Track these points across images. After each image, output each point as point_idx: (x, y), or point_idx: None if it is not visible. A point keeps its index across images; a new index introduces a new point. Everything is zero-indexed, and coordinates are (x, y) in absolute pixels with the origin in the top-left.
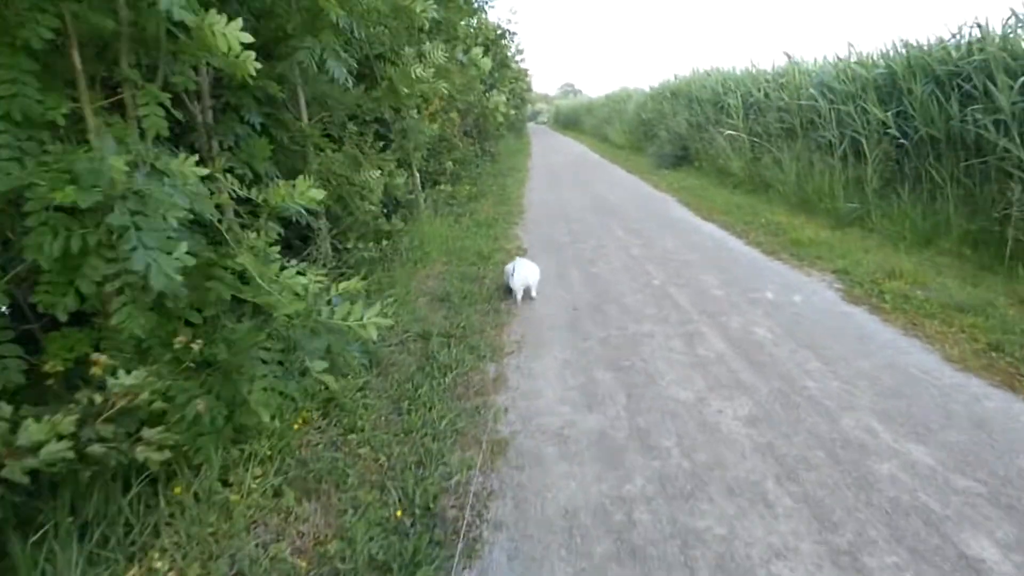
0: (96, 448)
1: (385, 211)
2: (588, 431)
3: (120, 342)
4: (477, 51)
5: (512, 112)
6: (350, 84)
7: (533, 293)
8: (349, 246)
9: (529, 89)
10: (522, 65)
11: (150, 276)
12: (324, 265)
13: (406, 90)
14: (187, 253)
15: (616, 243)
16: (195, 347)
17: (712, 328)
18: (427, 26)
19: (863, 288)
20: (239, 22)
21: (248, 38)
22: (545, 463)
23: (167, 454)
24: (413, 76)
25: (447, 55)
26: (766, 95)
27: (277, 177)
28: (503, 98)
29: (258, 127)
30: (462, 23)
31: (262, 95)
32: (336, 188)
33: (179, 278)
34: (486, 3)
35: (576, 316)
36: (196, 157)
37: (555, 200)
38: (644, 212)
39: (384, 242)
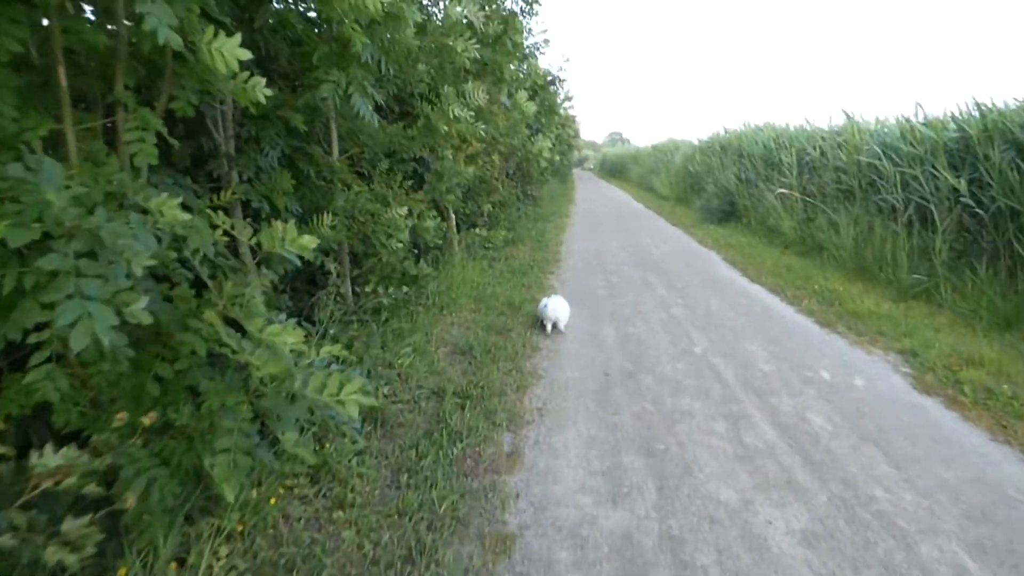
0: (5, 540)
1: (415, 253)
2: (611, 532)
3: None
4: (522, 95)
5: (557, 158)
6: (376, 121)
7: (562, 327)
8: (368, 289)
9: (576, 136)
10: (570, 112)
11: (72, 335)
12: (332, 316)
13: (444, 128)
14: (165, 298)
15: (656, 301)
16: (147, 421)
17: (760, 410)
18: (468, 66)
19: (936, 375)
20: (237, 38)
21: (246, 55)
22: (555, 573)
23: (90, 550)
24: (451, 116)
25: (488, 96)
26: (822, 153)
27: (298, 212)
28: (548, 143)
29: (283, 159)
30: (510, 66)
31: (286, 126)
32: (361, 226)
33: (118, 338)
34: (537, 49)
35: (607, 383)
36: (180, 199)
37: (595, 249)
38: (688, 269)
39: (409, 287)
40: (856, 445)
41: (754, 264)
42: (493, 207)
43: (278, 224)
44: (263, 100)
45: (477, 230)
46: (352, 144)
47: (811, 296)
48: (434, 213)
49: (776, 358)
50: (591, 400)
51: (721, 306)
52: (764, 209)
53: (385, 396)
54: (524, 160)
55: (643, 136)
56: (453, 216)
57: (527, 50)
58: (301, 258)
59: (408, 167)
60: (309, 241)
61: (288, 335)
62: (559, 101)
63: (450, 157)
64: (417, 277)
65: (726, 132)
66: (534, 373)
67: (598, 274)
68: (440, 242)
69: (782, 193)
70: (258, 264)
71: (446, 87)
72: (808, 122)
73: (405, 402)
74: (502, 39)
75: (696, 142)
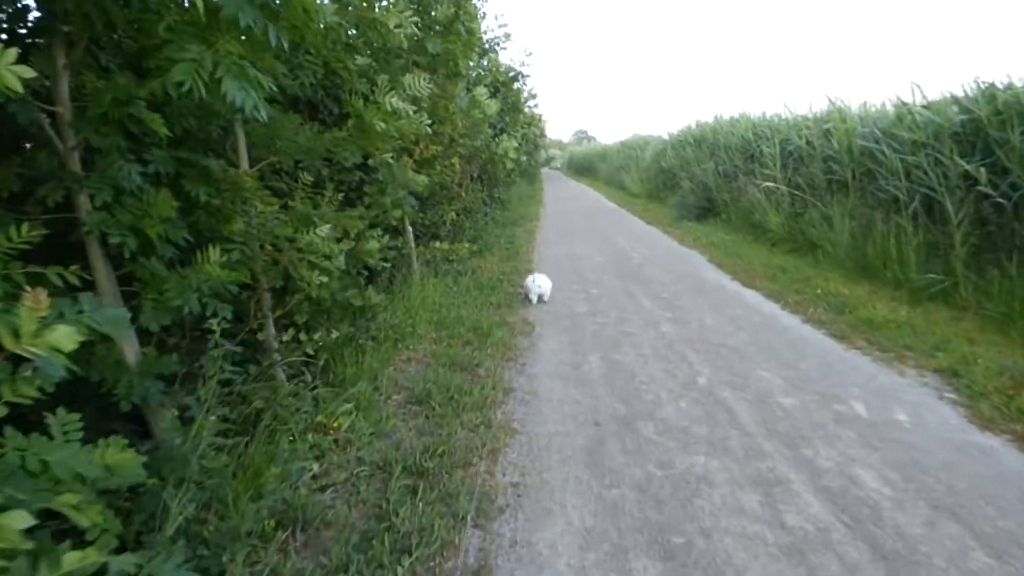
0: None
1: (366, 276)
2: None
3: None
4: (481, 91)
5: (524, 158)
6: (262, 114)
7: (546, 298)
8: (287, 337)
9: (543, 135)
10: (535, 110)
11: None
12: (228, 380)
13: (381, 125)
14: None
15: (643, 316)
16: None
17: (795, 468)
18: (405, 44)
19: (991, 403)
20: None
21: None
22: None
23: None
24: (387, 108)
25: (439, 90)
26: (808, 142)
27: (186, 243)
28: (514, 143)
29: (161, 176)
30: (468, 61)
31: (138, 129)
32: (275, 255)
33: None
34: (498, 44)
35: (598, 436)
36: None
37: (568, 256)
38: (671, 273)
39: (355, 321)
40: (931, 520)
41: (743, 265)
42: (457, 215)
43: (29, 299)
44: (18, 87)
45: (438, 243)
46: (268, 152)
47: (815, 302)
48: (380, 231)
49: (796, 387)
50: (580, 465)
51: (716, 319)
52: (746, 204)
53: (313, 478)
54: (489, 162)
55: (609, 134)
56: (410, 229)
57: (487, 45)
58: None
59: (353, 177)
60: (65, 337)
61: None
62: (523, 99)
63: (390, 162)
64: (363, 309)
65: (698, 125)
66: (507, 427)
67: (575, 286)
68: (387, 264)
69: (767, 187)
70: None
71: (383, 76)
72: (788, 110)
73: (339, 484)
74: (454, 25)
75: (667, 137)
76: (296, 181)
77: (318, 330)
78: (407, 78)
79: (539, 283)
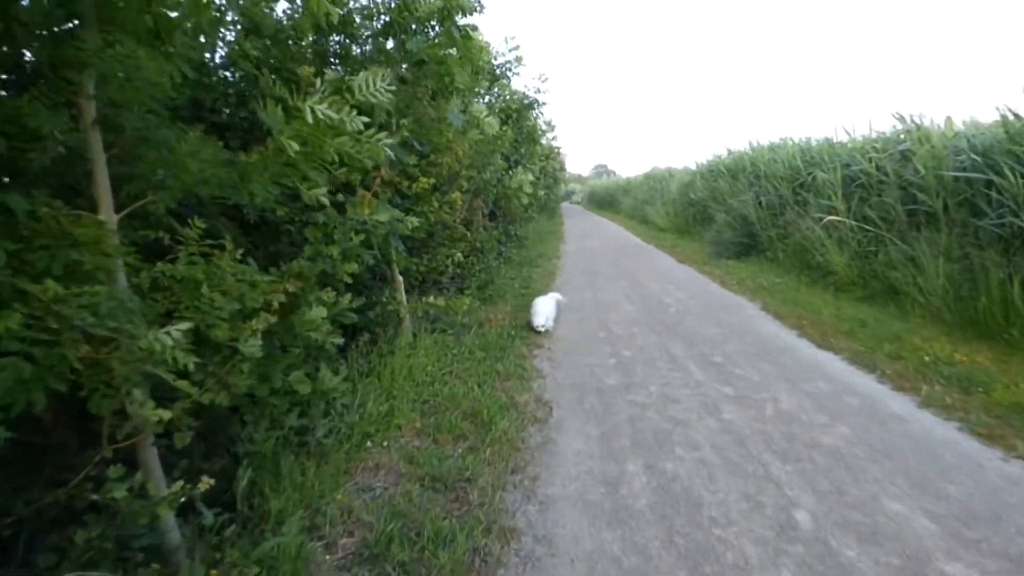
0: None
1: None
2: None
3: None
4: (480, 107)
5: (542, 193)
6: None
7: (550, 325)
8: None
9: (562, 168)
10: (554, 143)
11: None
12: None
13: (294, 146)
14: None
15: (694, 392)
16: None
17: None
18: (334, 17)
19: None
20: None
21: None
22: None
23: None
24: (312, 118)
25: (393, 86)
26: (877, 168)
27: None
28: (530, 176)
29: None
30: (467, 73)
31: None
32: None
33: None
34: (510, 70)
35: None
36: None
37: (593, 304)
38: (720, 327)
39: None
40: None
41: (808, 316)
42: (466, 257)
43: None
44: None
45: (432, 298)
46: (144, 186)
47: (925, 374)
48: (327, 292)
49: (964, 543)
50: None
51: (795, 399)
52: (799, 240)
53: None
54: (503, 197)
55: (629, 167)
56: (400, 279)
57: (497, 70)
58: None
59: (310, 216)
60: None
61: None
62: (540, 129)
63: (323, 201)
64: (309, 406)
65: (731, 154)
66: None
67: (603, 346)
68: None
69: (830, 221)
70: None
71: (305, 69)
72: (847, 132)
73: None
74: (445, 24)
75: (694, 167)
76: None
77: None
78: (360, 77)
79: (543, 310)
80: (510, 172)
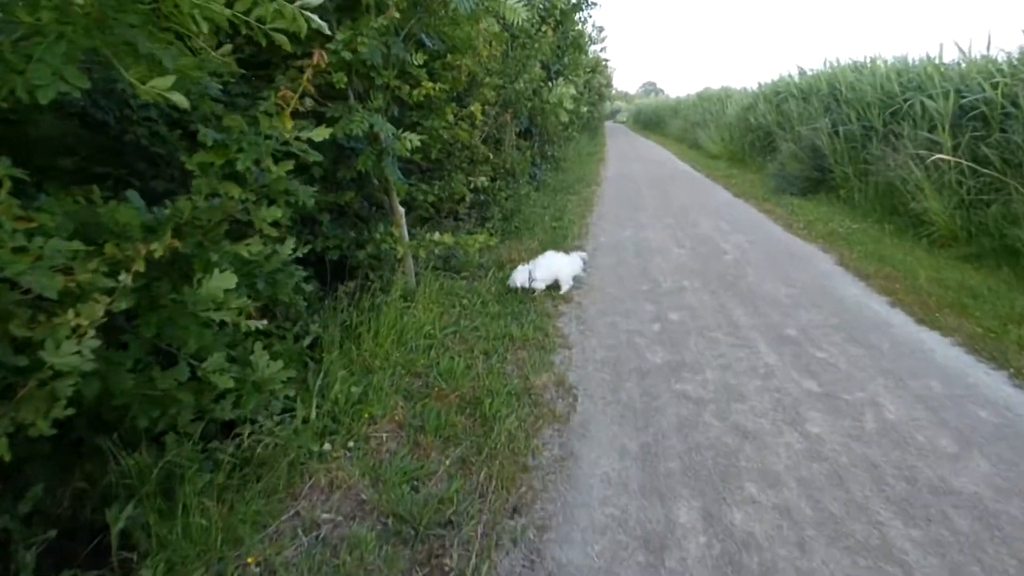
0: None
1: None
2: None
3: None
4: None
5: (585, 110)
6: None
7: (564, 287)
8: None
9: (609, 84)
10: (601, 54)
11: None
12: None
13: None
14: None
15: (764, 385)
16: None
17: None
18: None
19: None
20: None
21: None
22: None
23: None
24: None
25: None
26: (1004, 96)
27: None
28: (571, 90)
29: None
30: None
31: None
32: None
33: None
34: None
35: None
36: None
37: (634, 245)
38: (789, 286)
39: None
40: None
41: (901, 278)
42: (492, 180)
43: None
44: None
45: (437, 234)
46: None
47: None
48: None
49: None
50: None
51: (905, 408)
52: (885, 180)
53: None
54: (539, 113)
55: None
56: (400, 211)
57: None
58: None
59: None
60: None
61: None
62: (587, 37)
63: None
64: (241, 397)
65: (803, 73)
66: None
67: (645, 304)
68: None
69: (937, 159)
70: None
71: None
72: (962, 51)
73: None
74: None
75: (757, 87)
76: None
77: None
78: None
79: (547, 265)
80: (549, 84)
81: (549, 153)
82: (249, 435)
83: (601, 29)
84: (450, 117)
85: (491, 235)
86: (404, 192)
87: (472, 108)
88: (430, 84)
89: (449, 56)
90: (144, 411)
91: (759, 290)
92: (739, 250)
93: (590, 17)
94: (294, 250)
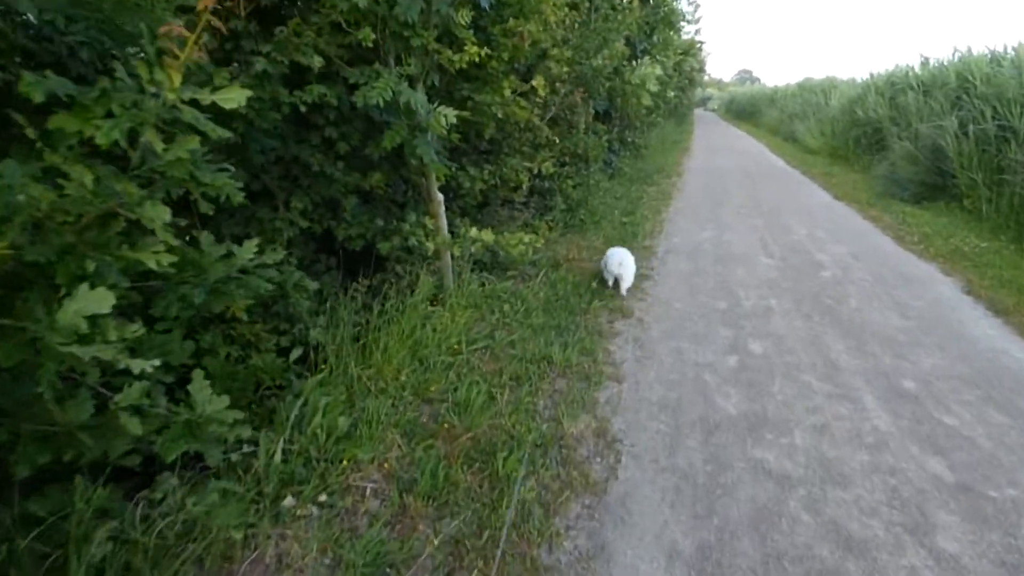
0: None
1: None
2: None
3: None
4: None
5: (672, 94)
6: None
7: (625, 285)
8: None
9: (702, 69)
10: (695, 36)
11: None
12: None
13: None
14: None
15: (872, 460)
16: None
17: None
18: None
19: None
20: None
21: None
22: None
23: None
24: None
25: None
26: None
27: None
28: (657, 70)
29: None
30: None
31: None
32: None
33: None
34: None
35: None
36: None
37: (714, 249)
38: (903, 316)
39: None
40: None
41: None
42: (562, 165)
43: None
44: None
45: (474, 231)
46: None
47: None
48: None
49: None
50: None
51: None
52: (1022, 191)
53: None
54: (619, 94)
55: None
56: (439, 198)
57: None
58: None
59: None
60: None
61: None
62: (679, 12)
63: None
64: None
65: (926, 63)
66: None
67: (719, 326)
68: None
69: None
70: None
71: None
72: None
73: None
74: None
75: (869, 77)
76: None
77: None
78: None
79: (619, 263)
80: (633, 63)
81: (629, 139)
82: (161, 500)
83: (697, 7)
84: (507, 92)
85: (550, 228)
86: (444, 176)
87: (534, 82)
88: (475, 49)
89: (512, 21)
90: (30, 454)
91: (865, 320)
92: (839, 265)
93: None
94: (258, 251)
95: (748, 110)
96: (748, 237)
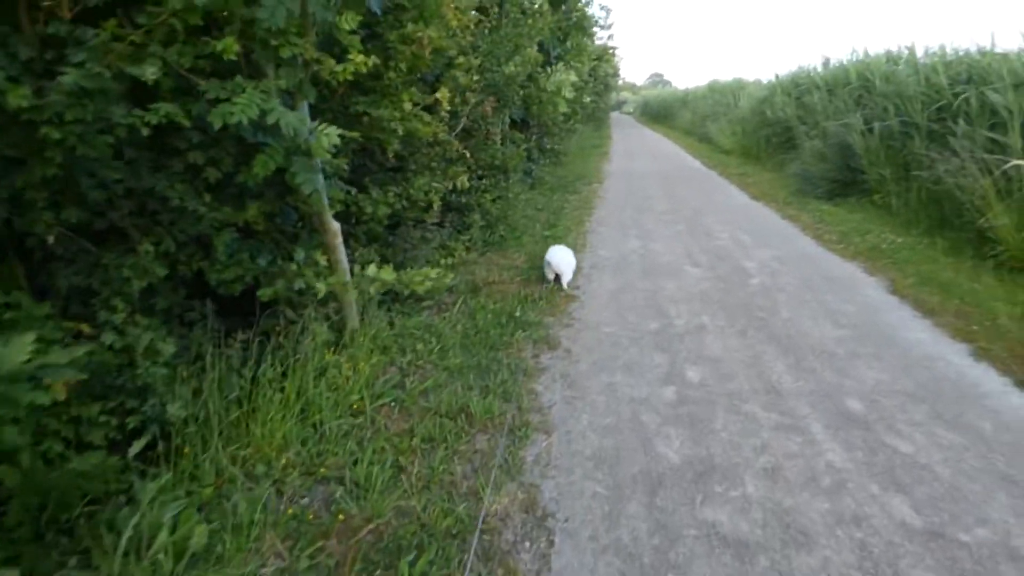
0: None
1: None
2: None
3: None
4: None
5: (589, 99)
6: None
7: (565, 281)
8: None
9: (616, 74)
10: (609, 42)
11: None
12: None
13: None
14: None
15: (832, 510)
16: None
17: None
18: None
19: None
20: None
21: None
22: None
23: None
24: None
25: None
26: None
27: None
28: (572, 76)
29: None
30: None
31: None
32: None
33: None
34: None
35: None
36: None
37: (640, 262)
38: (836, 325)
39: None
40: None
41: (977, 317)
42: (480, 178)
43: None
44: None
45: (372, 269)
46: None
47: None
48: None
49: None
50: None
51: None
52: (935, 187)
53: None
54: (534, 102)
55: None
56: (335, 227)
57: None
58: None
59: None
60: None
61: None
62: (591, 19)
63: None
64: None
65: (828, 64)
66: None
67: (652, 351)
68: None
69: (1016, 166)
70: None
71: None
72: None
73: None
74: None
75: (775, 79)
76: None
77: None
78: None
79: (559, 261)
80: (547, 69)
81: (548, 146)
82: None
83: (609, 12)
84: (408, 105)
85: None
86: (340, 201)
87: (438, 94)
88: (361, 58)
89: (410, 26)
90: None
91: (800, 331)
92: (766, 271)
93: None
94: (31, 356)
95: (662, 112)
96: (673, 245)
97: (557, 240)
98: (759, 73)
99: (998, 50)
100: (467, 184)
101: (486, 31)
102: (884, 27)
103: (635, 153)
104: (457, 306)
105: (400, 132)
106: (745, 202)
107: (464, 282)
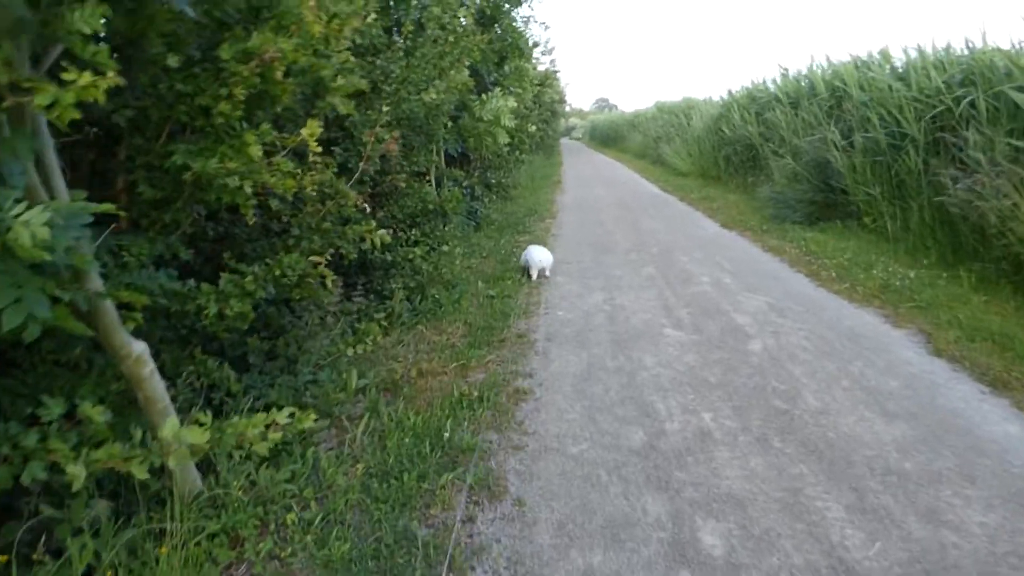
0: None
1: None
2: None
3: None
4: None
5: (533, 128)
6: None
7: (547, 273)
8: None
9: (562, 100)
10: (552, 67)
11: None
12: None
13: None
14: None
15: None
16: None
17: None
18: None
19: None
20: None
21: None
22: None
23: None
24: None
25: None
26: None
27: None
28: (510, 102)
29: None
30: None
31: None
32: None
33: None
34: None
35: None
36: None
37: (609, 324)
38: (886, 417)
39: None
40: None
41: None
42: (410, 228)
43: None
44: None
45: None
46: None
47: None
48: None
49: None
50: None
51: None
52: (951, 206)
53: None
54: (471, 133)
55: (632, 101)
56: (137, 351)
57: None
58: None
59: None
60: None
61: None
62: (529, 41)
63: None
64: None
65: (786, 74)
66: None
67: (639, 489)
68: None
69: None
70: None
71: None
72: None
73: None
74: None
75: (728, 95)
76: None
77: None
78: None
79: (539, 260)
80: (483, 96)
81: (493, 181)
82: None
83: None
84: (255, 149)
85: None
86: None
87: (304, 131)
88: (89, 78)
89: (255, 37)
90: None
91: (841, 433)
92: (767, 329)
93: (531, 17)
94: None
95: (611, 136)
96: (645, 296)
97: (504, 302)
98: (708, 91)
99: (1002, 48)
100: (388, 239)
101: (401, 53)
102: (828, 39)
103: (589, 181)
104: (363, 424)
105: (247, 190)
106: (716, 232)
107: (379, 379)
